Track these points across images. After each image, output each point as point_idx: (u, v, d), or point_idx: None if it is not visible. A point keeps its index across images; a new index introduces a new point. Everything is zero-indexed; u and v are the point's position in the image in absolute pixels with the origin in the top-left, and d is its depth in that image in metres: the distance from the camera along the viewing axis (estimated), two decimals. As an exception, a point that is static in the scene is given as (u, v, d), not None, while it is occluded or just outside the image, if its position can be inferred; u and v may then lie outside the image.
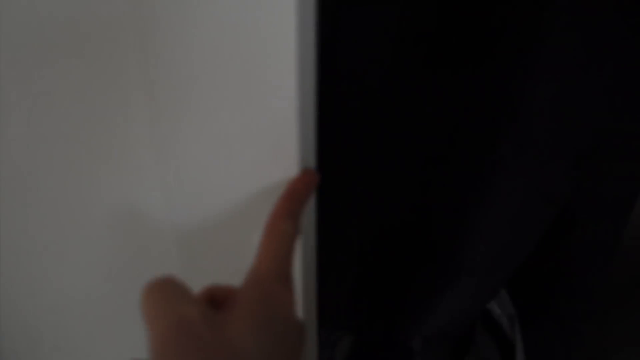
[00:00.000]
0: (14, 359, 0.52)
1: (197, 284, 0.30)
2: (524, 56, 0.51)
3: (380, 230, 0.63)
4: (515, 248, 0.59)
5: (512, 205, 0.56)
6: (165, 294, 0.27)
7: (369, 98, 0.58)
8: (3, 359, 0.52)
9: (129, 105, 0.30)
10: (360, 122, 0.59)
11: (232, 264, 0.30)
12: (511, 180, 0.55)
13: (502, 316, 0.73)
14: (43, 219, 0.38)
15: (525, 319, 0.72)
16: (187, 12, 0.26)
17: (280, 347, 0.27)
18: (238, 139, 0.30)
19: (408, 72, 0.56)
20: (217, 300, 0.31)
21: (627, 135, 0.58)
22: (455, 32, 0.55)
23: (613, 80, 0.53)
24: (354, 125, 0.59)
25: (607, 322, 0.71)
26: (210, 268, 0.35)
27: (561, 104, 0.52)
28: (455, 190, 0.59)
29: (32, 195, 0.37)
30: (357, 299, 0.67)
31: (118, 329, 0.44)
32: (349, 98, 0.58)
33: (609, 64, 0.51)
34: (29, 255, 0.42)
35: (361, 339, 0.71)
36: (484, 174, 0.57)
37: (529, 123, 0.53)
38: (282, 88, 0.27)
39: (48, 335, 0.49)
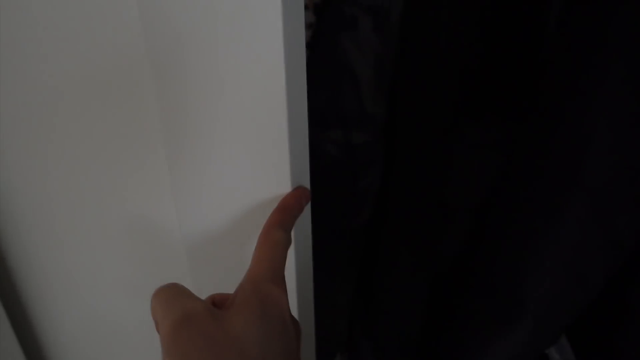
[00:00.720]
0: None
1: (203, 289, 0.35)
2: (580, 96, 0.51)
3: (436, 269, 0.64)
4: (578, 290, 0.56)
5: (574, 244, 0.54)
6: (171, 294, 0.30)
7: (430, 140, 0.61)
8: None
9: (146, 136, 0.37)
10: (420, 161, 0.61)
11: (234, 271, 0.34)
12: (573, 217, 0.54)
13: (561, 363, 0.68)
14: (74, 236, 0.47)
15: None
16: (193, 62, 0.33)
17: (278, 340, 0.29)
18: (239, 164, 0.35)
19: (465, 114, 0.58)
20: (218, 305, 0.34)
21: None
22: (514, 71, 0.57)
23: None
24: (413, 166, 0.62)
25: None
26: (215, 274, 0.40)
27: (620, 144, 0.50)
28: (516, 226, 0.58)
29: (64, 214, 0.46)
30: (411, 338, 0.68)
31: (136, 335, 0.52)
32: (409, 139, 0.61)
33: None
34: (59, 264, 0.50)
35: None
36: (546, 211, 0.56)
37: (588, 163, 0.52)
38: (275, 123, 0.33)
39: (81, 341, 0.58)
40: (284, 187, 0.35)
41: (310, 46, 0.57)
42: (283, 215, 0.34)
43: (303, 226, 0.37)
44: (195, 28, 0.31)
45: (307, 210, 0.37)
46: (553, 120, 0.54)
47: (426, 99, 0.59)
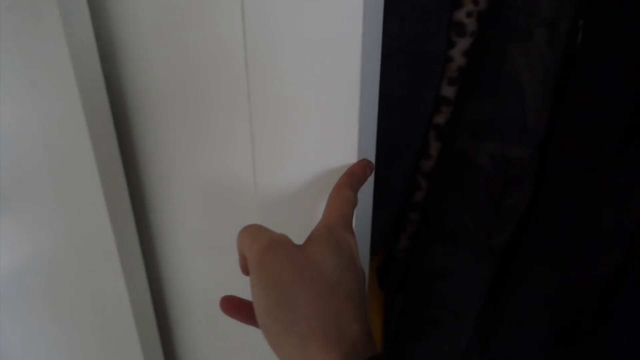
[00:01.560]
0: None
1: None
2: None
3: (575, 299, 0.57)
4: None
5: None
6: (257, 228, 0.34)
7: (593, 162, 0.56)
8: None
9: (233, 115, 0.45)
10: (579, 184, 0.57)
11: (303, 231, 0.37)
12: None
13: None
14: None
15: None
16: (281, 47, 0.38)
17: (351, 272, 0.33)
18: (314, 137, 0.40)
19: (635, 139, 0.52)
20: None
21: None
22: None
23: None
24: (571, 188, 0.57)
25: None
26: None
27: None
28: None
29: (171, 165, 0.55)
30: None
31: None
32: (570, 159, 0.57)
33: None
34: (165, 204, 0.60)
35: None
36: None
37: None
38: (348, 109, 0.37)
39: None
40: (351, 158, 0.39)
41: (469, 54, 0.58)
42: (351, 178, 0.38)
43: (365, 195, 0.40)
44: (286, 22, 0.37)
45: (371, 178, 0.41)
46: None
47: (597, 119, 0.55)
